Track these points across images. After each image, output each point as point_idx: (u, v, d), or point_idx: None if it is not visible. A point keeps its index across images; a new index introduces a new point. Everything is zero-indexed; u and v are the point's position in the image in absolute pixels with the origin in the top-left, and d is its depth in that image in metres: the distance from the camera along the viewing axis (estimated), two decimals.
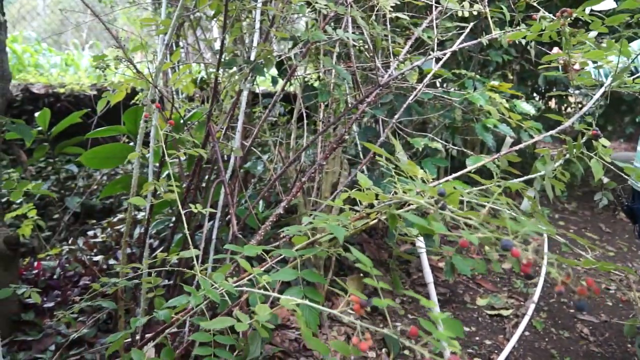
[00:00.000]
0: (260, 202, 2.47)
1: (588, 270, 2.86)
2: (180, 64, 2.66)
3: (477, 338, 2.20)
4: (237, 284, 0.98)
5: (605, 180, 1.18)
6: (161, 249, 1.98)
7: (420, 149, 2.10)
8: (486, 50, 3.52)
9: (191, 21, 2.58)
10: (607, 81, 1.17)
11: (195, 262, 1.02)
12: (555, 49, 1.19)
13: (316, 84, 2.60)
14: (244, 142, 2.02)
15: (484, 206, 0.92)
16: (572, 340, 2.23)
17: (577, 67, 1.16)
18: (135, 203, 0.99)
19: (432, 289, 1.72)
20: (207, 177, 1.90)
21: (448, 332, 0.63)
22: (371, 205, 1.00)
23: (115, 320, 1.54)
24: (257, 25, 1.89)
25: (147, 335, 1.19)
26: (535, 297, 2.52)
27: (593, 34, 1.08)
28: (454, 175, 1.14)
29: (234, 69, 1.89)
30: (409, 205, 1.01)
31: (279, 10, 1.61)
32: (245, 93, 1.94)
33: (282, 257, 1.19)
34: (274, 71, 2.71)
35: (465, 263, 1.70)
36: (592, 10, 1.03)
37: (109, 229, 2.56)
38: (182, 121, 1.85)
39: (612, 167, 1.05)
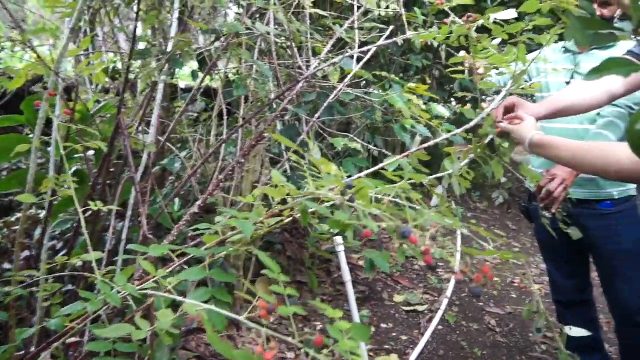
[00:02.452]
0: (177, 201, 2.37)
1: (497, 265, 3.03)
2: (93, 52, 2.49)
3: (394, 334, 2.26)
4: (141, 287, 0.92)
5: (503, 180, 1.25)
6: (64, 251, 1.84)
7: (342, 150, 2.11)
8: (407, 55, 3.63)
9: (106, 7, 2.42)
10: (508, 85, 1.24)
11: (95, 265, 0.95)
12: (462, 52, 1.24)
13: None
14: (159, 138, 1.92)
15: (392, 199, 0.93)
16: (480, 332, 2.35)
17: (481, 71, 1.22)
18: (24, 200, 0.90)
19: (349, 287, 1.74)
20: (119, 174, 1.79)
21: (353, 341, 0.62)
22: (284, 202, 0.98)
23: (6, 331, 1.40)
24: (176, 15, 1.81)
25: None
26: (449, 292, 2.64)
27: (497, 40, 1.14)
28: (366, 172, 1.15)
29: (151, 59, 1.80)
30: (322, 202, 1.00)
31: (197, 0, 1.55)
32: (161, 86, 1.85)
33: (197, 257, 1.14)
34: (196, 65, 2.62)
35: (384, 260, 1.72)
36: (495, 19, 1.08)
37: (5, 230, 2.34)
38: (90, 113, 1.73)
39: (510, 168, 1.11)
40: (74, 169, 1.93)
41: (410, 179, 0.94)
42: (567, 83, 1.62)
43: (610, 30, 0.66)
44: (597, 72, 0.60)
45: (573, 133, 1.57)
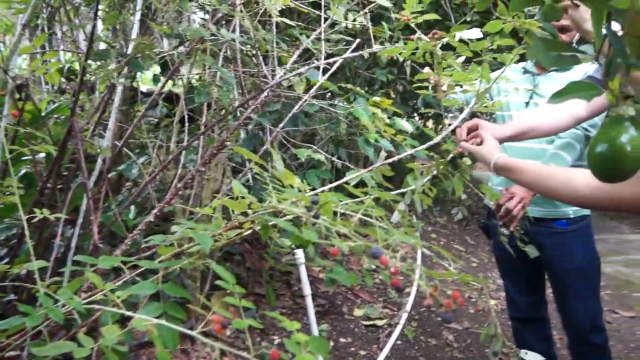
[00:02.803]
0: (132, 208, 2.29)
1: (455, 280, 3.07)
2: (50, 50, 2.39)
3: (353, 349, 2.24)
4: (87, 300, 0.87)
5: (464, 196, 1.27)
6: (7, 260, 1.73)
7: (305, 160, 2.10)
8: (372, 69, 3.67)
9: (65, 6, 2.33)
10: (471, 103, 1.26)
11: (37, 275, 0.89)
12: (427, 69, 1.25)
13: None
14: (116, 142, 1.85)
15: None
16: (438, 347, 2.36)
17: (445, 87, 1.23)
18: None
19: (309, 301, 1.71)
20: (72, 178, 1.70)
21: (312, 355, 0.60)
22: (245, 214, 0.95)
23: None
24: (137, 16, 1.75)
25: None
26: (408, 306, 2.64)
27: (461, 58, 1.15)
28: (329, 185, 1.13)
29: (110, 61, 1.74)
30: (284, 215, 0.98)
31: (160, 3, 1.51)
32: (119, 89, 1.78)
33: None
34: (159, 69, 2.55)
35: (345, 274, 1.71)
36: (461, 37, 1.09)
37: None
38: (41, 114, 1.65)
39: (470, 185, 1.12)
40: (22, 171, 1.83)
41: (372, 195, 0.93)
42: (527, 103, 1.66)
43: (572, 53, 0.67)
44: (561, 95, 0.60)
45: (531, 152, 1.60)
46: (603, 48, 0.57)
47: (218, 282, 0.71)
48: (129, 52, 1.62)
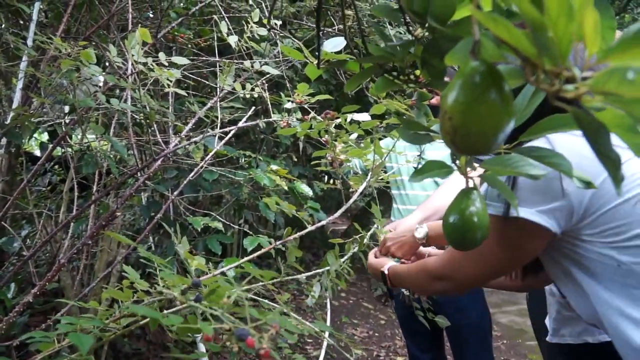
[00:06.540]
0: (13, 286, 2.07)
1: (363, 339, 3.08)
2: None
3: None
4: None
5: None
6: None
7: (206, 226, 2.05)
8: (277, 132, 3.74)
9: None
10: (369, 175, 1.33)
11: None
12: (326, 136, 1.32)
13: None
14: None
15: (256, 300, 0.90)
16: None
17: (342, 156, 1.29)
18: None
19: None
20: None
21: None
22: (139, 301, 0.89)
23: None
24: (20, 84, 1.66)
25: None
26: None
27: (354, 135, 1.22)
28: (235, 263, 1.10)
29: None
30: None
31: (44, 74, 1.44)
32: None
33: None
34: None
35: None
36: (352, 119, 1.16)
37: None
38: None
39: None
40: None
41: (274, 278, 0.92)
42: (415, 168, 1.79)
43: (426, 132, 0.73)
44: (420, 173, 0.65)
45: (422, 199, 1.73)
46: None
47: None
48: (7, 121, 1.52)
